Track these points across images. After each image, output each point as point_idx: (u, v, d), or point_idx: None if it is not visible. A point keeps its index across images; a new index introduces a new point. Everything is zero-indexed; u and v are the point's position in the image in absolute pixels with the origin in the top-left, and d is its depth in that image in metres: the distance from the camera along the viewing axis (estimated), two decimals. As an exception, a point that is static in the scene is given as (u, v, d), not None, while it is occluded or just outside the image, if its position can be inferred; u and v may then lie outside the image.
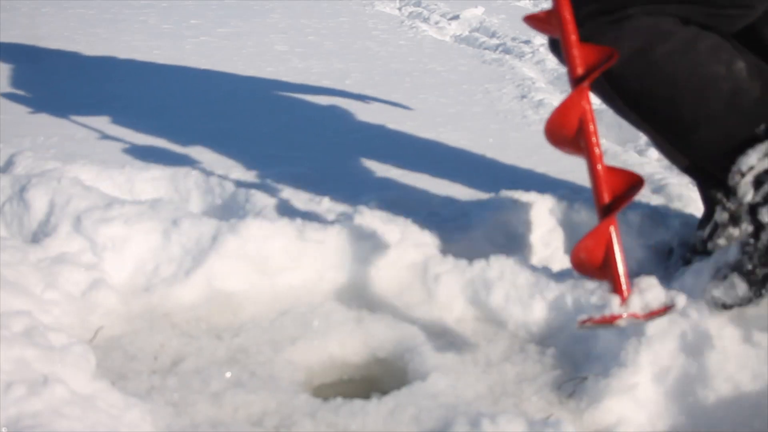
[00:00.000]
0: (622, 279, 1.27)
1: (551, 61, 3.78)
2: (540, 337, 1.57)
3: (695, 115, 1.51)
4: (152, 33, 4.92)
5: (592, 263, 1.30)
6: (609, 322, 1.27)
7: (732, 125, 1.50)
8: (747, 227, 1.44)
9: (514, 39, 4.57)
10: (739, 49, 1.54)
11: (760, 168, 1.43)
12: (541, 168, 2.52)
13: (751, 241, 1.43)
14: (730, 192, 1.45)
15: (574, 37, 1.30)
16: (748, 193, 1.44)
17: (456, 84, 3.69)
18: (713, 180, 1.53)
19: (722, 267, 1.44)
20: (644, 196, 1.97)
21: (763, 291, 1.43)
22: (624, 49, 1.42)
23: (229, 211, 1.95)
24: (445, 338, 1.56)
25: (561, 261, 1.81)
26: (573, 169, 2.30)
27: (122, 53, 4.01)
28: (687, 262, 1.55)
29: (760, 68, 1.53)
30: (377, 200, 1.97)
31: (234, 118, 2.83)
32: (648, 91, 1.53)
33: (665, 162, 1.92)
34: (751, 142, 1.46)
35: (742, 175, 1.45)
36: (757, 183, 1.43)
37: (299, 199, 1.94)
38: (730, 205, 1.48)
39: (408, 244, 1.74)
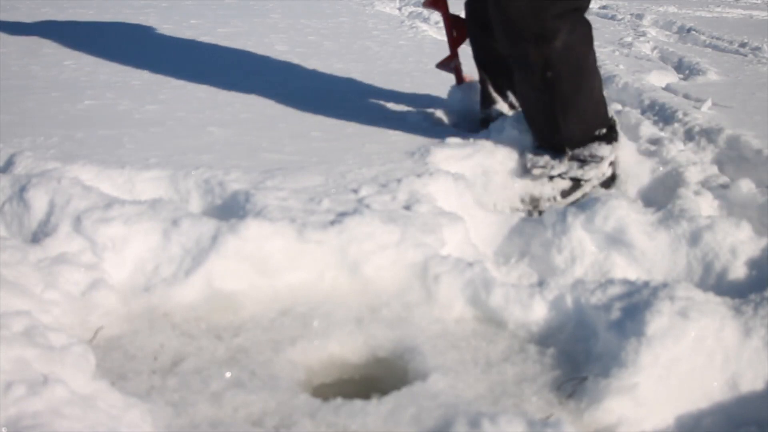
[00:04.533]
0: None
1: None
2: (540, 337, 1.57)
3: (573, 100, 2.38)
4: (152, 33, 4.92)
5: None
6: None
7: (583, 118, 2.41)
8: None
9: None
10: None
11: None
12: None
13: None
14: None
15: None
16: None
17: (456, 84, 3.69)
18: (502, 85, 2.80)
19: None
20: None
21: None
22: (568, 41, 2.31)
23: (229, 211, 1.94)
24: (445, 338, 1.56)
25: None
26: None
27: (122, 53, 4.01)
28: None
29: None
30: (377, 200, 1.97)
31: (233, 119, 2.83)
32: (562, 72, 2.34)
33: None
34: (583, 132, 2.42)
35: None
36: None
37: (299, 199, 1.94)
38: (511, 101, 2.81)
39: (408, 244, 1.74)
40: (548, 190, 2.37)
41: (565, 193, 2.39)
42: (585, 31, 2.38)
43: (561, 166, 2.38)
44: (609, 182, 2.47)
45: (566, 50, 2.31)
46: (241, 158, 2.30)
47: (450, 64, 3.12)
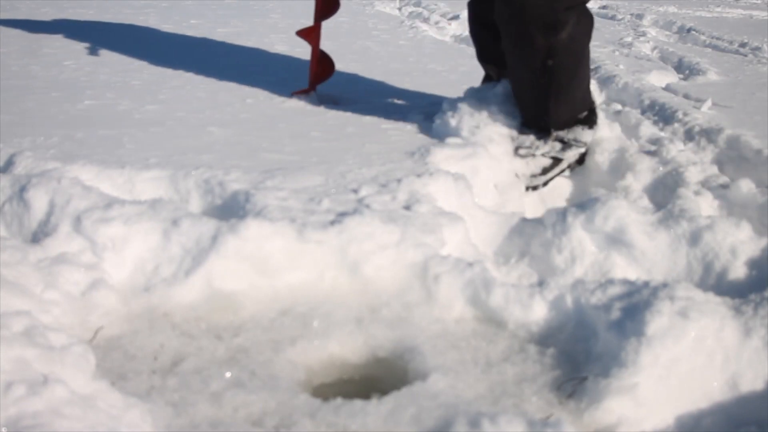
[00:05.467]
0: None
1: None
2: (540, 337, 1.57)
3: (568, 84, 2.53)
4: (152, 33, 4.92)
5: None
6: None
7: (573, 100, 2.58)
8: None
9: (514, 39, 4.56)
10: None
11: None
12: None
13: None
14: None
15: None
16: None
17: (456, 84, 3.69)
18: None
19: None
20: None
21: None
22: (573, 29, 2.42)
23: (229, 211, 1.94)
24: (445, 338, 1.56)
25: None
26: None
27: (122, 53, 4.01)
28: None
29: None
30: (377, 200, 1.97)
31: (233, 119, 2.83)
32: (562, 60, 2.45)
33: None
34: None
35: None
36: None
37: (299, 199, 1.94)
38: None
39: (408, 244, 1.74)
40: (531, 167, 2.53)
41: (545, 170, 2.56)
42: (588, 22, 2.50)
43: (545, 147, 2.55)
44: (582, 159, 2.66)
45: (570, 41, 2.41)
46: (241, 158, 2.30)
47: (303, 96, 3.18)
